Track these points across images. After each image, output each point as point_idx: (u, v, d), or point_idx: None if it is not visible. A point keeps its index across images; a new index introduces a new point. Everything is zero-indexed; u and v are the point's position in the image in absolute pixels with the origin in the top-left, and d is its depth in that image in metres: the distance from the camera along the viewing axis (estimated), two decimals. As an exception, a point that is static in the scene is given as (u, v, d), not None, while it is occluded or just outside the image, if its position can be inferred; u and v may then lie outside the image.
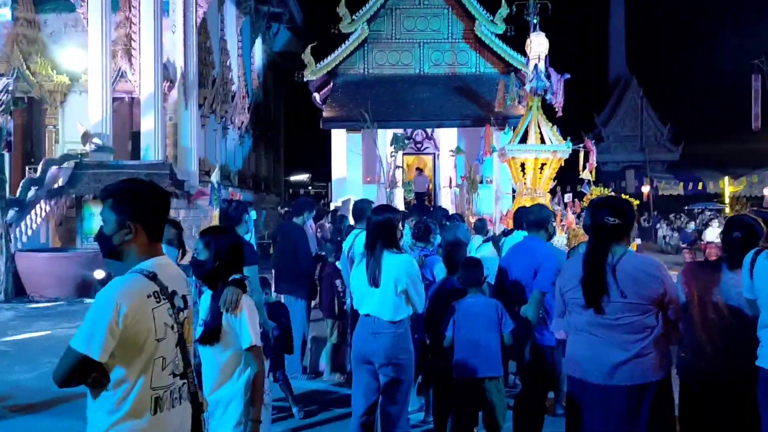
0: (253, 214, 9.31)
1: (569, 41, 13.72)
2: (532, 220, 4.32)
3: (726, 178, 30.78)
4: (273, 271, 6.48)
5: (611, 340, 2.85)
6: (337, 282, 5.98)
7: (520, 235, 6.16)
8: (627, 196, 16.78)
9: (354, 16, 19.37)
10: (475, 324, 4.04)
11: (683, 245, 16.13)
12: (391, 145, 17.79)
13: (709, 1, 34.41)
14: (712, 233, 15.36)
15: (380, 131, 19.63)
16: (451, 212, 9.56)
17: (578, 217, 15.17)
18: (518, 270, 4.21)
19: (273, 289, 5.94)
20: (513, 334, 4.09)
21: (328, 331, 6.19)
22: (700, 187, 31.66)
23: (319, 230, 11.17)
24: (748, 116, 26.53)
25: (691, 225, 17.38)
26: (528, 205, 14.35)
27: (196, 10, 18.84)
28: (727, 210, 29.18)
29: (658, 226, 25.52)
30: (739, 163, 30.35)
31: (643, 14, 36.45)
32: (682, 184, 35.96)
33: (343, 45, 19.36)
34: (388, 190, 17.16)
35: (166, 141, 17.43)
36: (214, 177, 13.29)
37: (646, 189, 34.29)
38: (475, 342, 4.00)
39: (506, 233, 7.94)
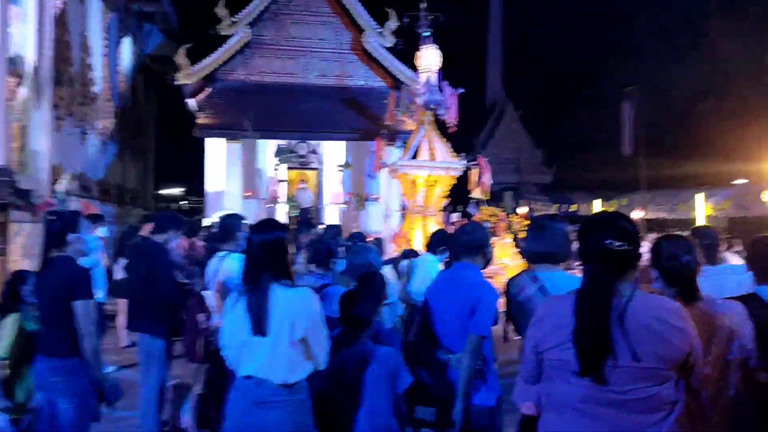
0: (102, 230, 7.78)
1: (449, 63, 13.46)
2: (466, 242, 3.37)
3: (598, 201, 32.02)
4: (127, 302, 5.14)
5: (618, 423, 1.92)
6: (202, 316, 4.72)
7: (434, 261, 5.25)
8: (513, 216, 16.61)
9: (234, 18, 18.00)
10: (357, 381, 3.03)
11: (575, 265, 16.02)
12: (275, 156, 16.54)
13: (583, 31, 36.02)
14: None
15: (262, 142, 18.33)
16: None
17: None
18: (449, 307, 3.25)
19: (126, 324, 4.62)
20: (440, 393, 3.12)
21: (193, 377, 4.94)
22: (574, 208, 32.78)
23: (190, 249, 9.73)
24: (619, 142, 27.74)
25: (575, 245, 17.37)
26: (420, 223, 13.76)
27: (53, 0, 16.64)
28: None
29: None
30: (610, 187, 31.71)
31: (520, 40, 37.55)
32: (556, 205, 37.20)
33: (221, 48, 17.91)
34: (269, 205, 15.86)
35: (11, 144, 15.08)
36: (61, 186, 11.42)
37: (522, 210, 35.08)
38: (357, 407, 2.99)
39: (407, 255, 7.05)
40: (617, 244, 1.96)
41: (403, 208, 14.67)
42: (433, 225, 13.44)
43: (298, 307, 2.59)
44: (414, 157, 13.54)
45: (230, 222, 4.34)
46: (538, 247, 2.97)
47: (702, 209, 22.19)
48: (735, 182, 25.15)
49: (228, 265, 4.04)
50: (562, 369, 1.98)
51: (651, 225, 24.78)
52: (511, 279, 3.07)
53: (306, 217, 16.60)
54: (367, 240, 8.61)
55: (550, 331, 2.03)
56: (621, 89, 26.84)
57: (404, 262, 6.37)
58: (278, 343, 2.55)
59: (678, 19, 28.40)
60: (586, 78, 34.56)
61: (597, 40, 35.19)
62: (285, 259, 2.71)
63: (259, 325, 2.55)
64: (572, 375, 1.94)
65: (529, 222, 6.69)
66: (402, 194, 14.25)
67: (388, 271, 7.41)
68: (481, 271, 3.39)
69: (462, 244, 3.37)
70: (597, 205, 32.73)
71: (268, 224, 2.85)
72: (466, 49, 21.97)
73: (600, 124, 31.97)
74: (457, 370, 3.13)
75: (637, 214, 28.28)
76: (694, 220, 22.74)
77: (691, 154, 28.13)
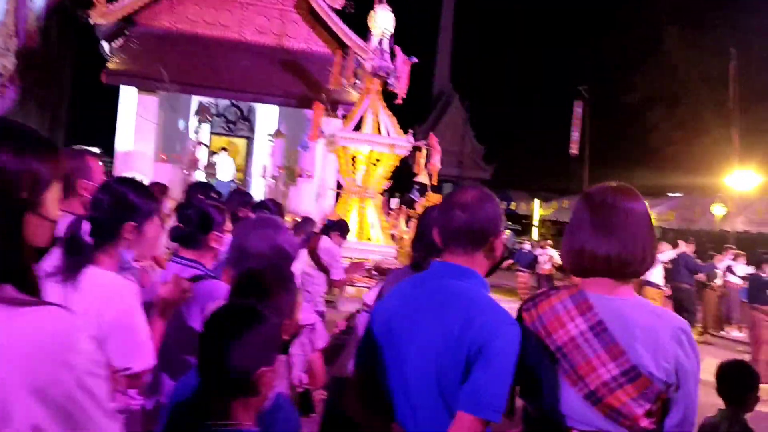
0: None
1: (400, 46, 12.06)
2: (464, 224, 1.72)
3: (537, 201, 31.23)
4: None
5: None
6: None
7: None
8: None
9: (165, -44, 15.74)
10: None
11: (520, 267, 14.78)
12: (195, 115, 14.50)
13: (535, 29, 35.05)
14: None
15: (185, 100, 16.21)
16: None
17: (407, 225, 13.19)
18: (422, 348, 1.64)
19: None
20: None
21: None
22: (513, 207, 31.87)
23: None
24: (566, 143, 26.87)
25: (527, 245, 16.16)
26: (356, 205, 12.08)
27: None
28: (535, 233, 29.58)
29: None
30: (552, 188, 30.94)
31: (470, 34, 36.23)
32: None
33: (146, -12, 15.61)
34: (186, 172, 13.82)
35: None
36: None
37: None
38: None
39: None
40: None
41: (339, 187, 12.97)
42: (371, 209, 11.84)
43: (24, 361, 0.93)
44: (356, 129, 11.88)
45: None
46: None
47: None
48: (674, 194, 24.65)
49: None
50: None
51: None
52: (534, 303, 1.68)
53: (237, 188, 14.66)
54: (295, 219, 6.89)
55: None
56: (572, 90, 25.96)
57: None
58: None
59: (634, 22, 27.68)
60: (536, 76, 33.61)
61: (551, 39, 34.33)
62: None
63: None
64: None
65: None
66: (338, 171, 12.55)
67: (306, 267, 5.75)
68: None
69: (455, 228, 1.73)
70: (536, 206, 32.05)
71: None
72: (418, 37, 20.36)
73: (548, 124, 31.10)
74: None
75: (577, 218, 27.64)
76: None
77: (638, 162, 27.50)
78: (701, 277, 11.66)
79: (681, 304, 10.41)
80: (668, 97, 26.87)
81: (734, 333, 11.82)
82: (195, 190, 4.01)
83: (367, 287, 10.72)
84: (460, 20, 41.18)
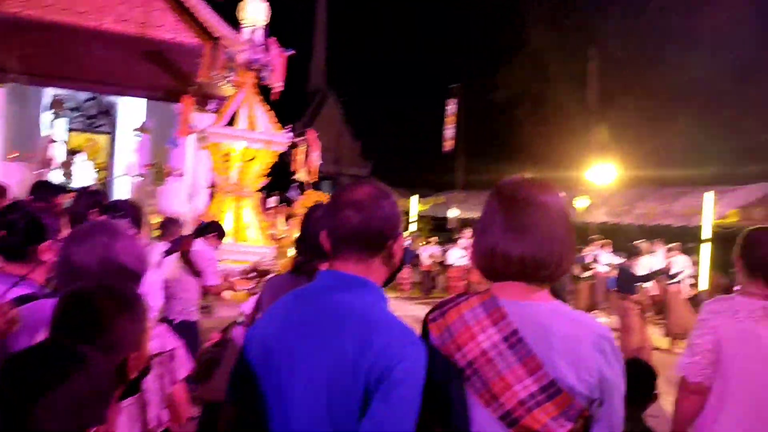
0: None
1: (274, 38, 11.64)
2: (358, 226, 1.44)
3: (415, 197, 31.69)
4: None
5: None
6: None
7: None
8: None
9: (10, -68, 14.21)
10: None
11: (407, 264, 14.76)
12: (50, 109, 13.23)
13: (409, 27, 35.53)
14: (456, 254, 14.22)
15: (37, 93, 14.76)
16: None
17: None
18: (305, 379, 1.36)
19: None
20: None
21: None
22: (392, 203, 32.22)
23: None
24: (441, 140, 27.42)
25: (407, 241, 16.18)
26: (232, 205, 11.49)
27: None
28: (415, 228, 30.00)
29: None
30: (429, 184, 31.52)
31: (345, 29, 36.17)
32: (373, 198, 36.54)
33: (-12, -32, 14.04)
34: (38, 171, 12.59)
35: None
36: None
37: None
38: None
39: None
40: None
41: (213, 185, 12.32)
42: (248, 209, 11.32)
43: None
44: (230, 125, 11.30)
45: None
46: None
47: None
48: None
49: None
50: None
51: (465, 223, 24.77)
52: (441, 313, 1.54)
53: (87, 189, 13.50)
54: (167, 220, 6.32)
55: None
56: (445, 87, 26.54)
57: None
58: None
59: (502, 22, 28.81)
60: (411, 73, 34.09)
61: (422, 36, 34.96)
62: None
63: None
64: None
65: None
66: (212, 169, 11.91)
67: (177, 272, 5.25)
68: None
69: (347, 231, 1.45)
70: (414, 202, 32.55)
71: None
72: (292, 30, 19.89)
73: (423, 120, 31.64)
74: None
75: (452, 213, 28.32)
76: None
77: (509, 157, 28.61)
78: (574, 269, 12.17)
79: (556, 295, 10.76)
80: (534, 96, 28.18)
81: (602, 319, 12.46)
82: (38, 190, 3.44)
83: (247, 290, 10.25)
84: (335, 15, 41.05)
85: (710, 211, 15.87)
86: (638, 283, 7.56)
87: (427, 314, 1.56)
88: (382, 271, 1.50)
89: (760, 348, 2.30)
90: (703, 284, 16.01)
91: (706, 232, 15.69)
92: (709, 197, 15.96)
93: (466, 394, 1.43)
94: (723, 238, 17.87)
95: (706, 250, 15.41)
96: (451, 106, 26.51)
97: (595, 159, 20.43)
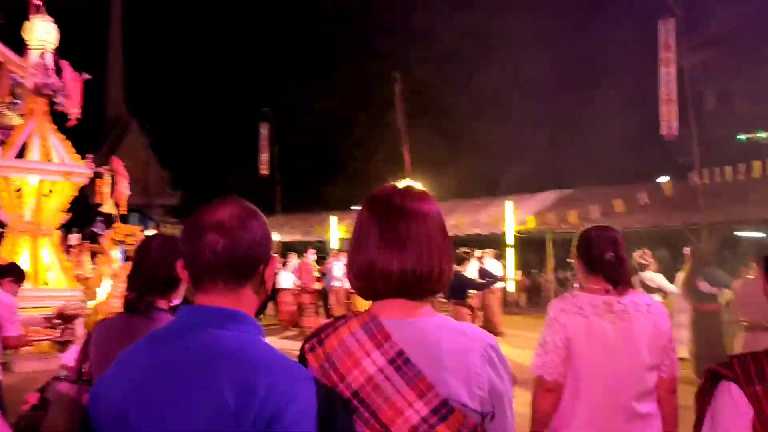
0: None
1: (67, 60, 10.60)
2: (220, 255, 1.26)
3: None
4: None
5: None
6: None
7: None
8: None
9: None
10: None
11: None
12: None
13: (213, 51, 34.65)
14: (285, 278, 13.88)
15: None
16: None
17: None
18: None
19: None
20: None
21: None
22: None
23: None
24: (257, 164, 26.99)
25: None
26: (27, 245, 10.22)
27: None
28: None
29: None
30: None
31: (144, 54, 34.43)
32: (187, 227, 34.99)
33: None
34: None
35: None
36: None
37: (151, 232, 32.02)
38: None
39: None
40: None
41: (2, 225, 10.91)
42: (46, 248, 10.16)
43: None
44: (20, 157, 10.10)
45: None
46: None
47: (336, 231, 22.64)
48: (358, 208, 26.44)
49: None
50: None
51: (288, 247, 24.55)
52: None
53: None
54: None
55: None
56: (258, 111, 26.25)
57: None
58: None
59: (311, 44, 29.26)
60: (219, 98, 33.21)
61: (226, 60, 34.25)
62: None
63: None
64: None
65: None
66: (1, 207, 10.55)
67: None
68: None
69: (211, 258, 1.27)
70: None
71: None
72: (86, 52, 18.46)
73: (236, 145, 30.96)
74: None
75: (274, 237, 27.96)
76: (329, 241, 23.10)
77: (326, 179, 28.93)
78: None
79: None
80: (346, 118, 28.89)
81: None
82: None
83: (50, 340, 9.13)
84: (132, 36, 38.87)
85: (511, 219, 17.32)
86: (470, 290, 7.92)
87: (303, 344, 1.42)
88: (253, 300, 1.33)
89: (605, 342, 2.42)
90: (511, 286, 17.40)
91: (509, 238, 17.10)
92: (509, 206, 17.43)
93: (355, 428, 1.31)
94: (523, 242, 19.66)
95: (510, 254, 16.77)
96: (264, 130, 26.23)
97: (404, 176, 21.35)
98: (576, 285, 2.68)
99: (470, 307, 7.81)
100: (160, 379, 1.21)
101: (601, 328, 2.43)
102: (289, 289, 13.74)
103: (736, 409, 1.39)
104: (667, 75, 14.11)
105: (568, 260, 17.66)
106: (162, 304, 2.22)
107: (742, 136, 18.64)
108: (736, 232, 15.43)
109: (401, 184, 1.48)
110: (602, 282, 2.51)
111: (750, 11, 19.09)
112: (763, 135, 18.26)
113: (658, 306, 2.52)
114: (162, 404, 1.18)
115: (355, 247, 1.41)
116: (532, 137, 25.27)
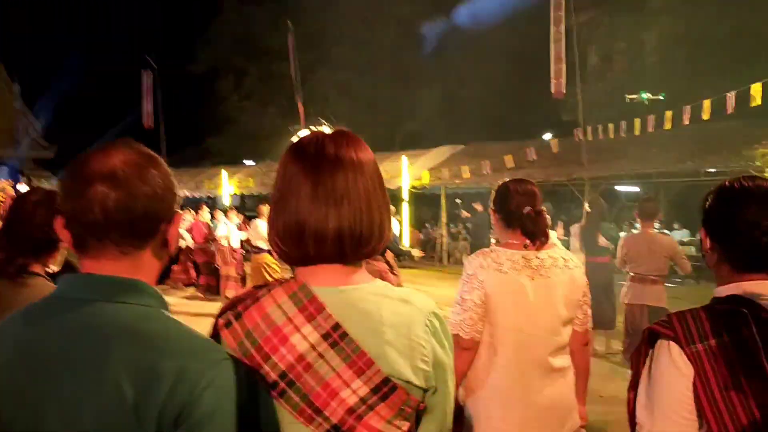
0: None
1: None
2: (112, 212, 1.02)
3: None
4: None
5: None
6: None
7: None
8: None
9: None
10: None
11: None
12: None
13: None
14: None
15: None
16: None
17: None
18: None
19: None
20: None
21: None
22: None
23: None
24: (139, 115, 25.34)
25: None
26: None
27: None
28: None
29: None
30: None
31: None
32: (63, 183, 32.76)
33: None
34: None
35: None
36: None
37: (23, 187, 29.65)
38: None
39: None
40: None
41: None
42: None
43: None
44: None
45: None
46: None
47: (227, 186, 21.92)
48: (250, 162, 25.64)
49: None
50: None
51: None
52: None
53: None
54: None
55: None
56: (140, 59, 24.46)
57: None
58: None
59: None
60: (98, 45, 30.84)
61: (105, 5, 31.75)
62: None
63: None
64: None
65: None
66: None
67: None
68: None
69: (100, 216, 1.02)
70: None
71: None
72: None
73: (118, 95, 28.97)
74: None
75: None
76: (220, 197, 22.32)
77: (213, 132, 27.78)
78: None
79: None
80: (235, 69, 27.69)
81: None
82: None
83: None
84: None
85: (407, 174, 17.39)
86: (392, 251, 7.73)
87: (217, 318, 1.21)
88: (154, 266, 1.11)
89: (524, 298, 2.37)
90: (406, 240, 17.61)
91: (405, 194, 17.19)
92: (404, 161, 17.47)
93: (282, 414, 1.13)
94: (417, 197, 19.87)
95: (405, 210, 16.91)
96: (147, 78, 24.57)
97: (298, 130, 20.81)
98: (493, 241, 2.60)
99: (389, 263, 7.69)
100: (36, 366, 0.97)
101: (519, 284, 2.38)
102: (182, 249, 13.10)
103: (677, 369, 1.33)
104: (557, 34, 14.44)
105: (457, 212, 18.12)
106: (36, 268, 1.93)
107: (633, 96, 19.57)
108: (616, 187, 16.34)
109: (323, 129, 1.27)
110: (520, 236, 2.45)
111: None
112: (645, 96, 19.30)
113: (574, 260, 2.50)
114: (38, 397, 0.95)
115: (279, 205, 1.20)
116: (427, 94, 25.42)
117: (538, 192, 2.52)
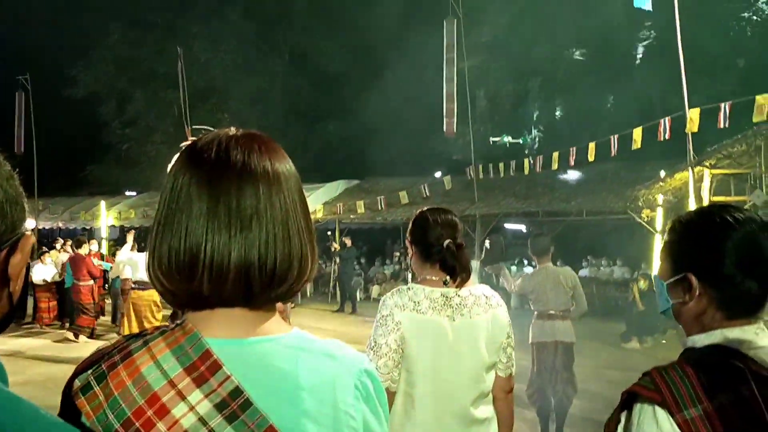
0: None
1: None
2: None
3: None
4: None
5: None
6: None
7: None
8: None
9: None
10: None
11: None
12: None
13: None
14: (42, 271, 11.87)
15: None
16: None
17: None
18: None
19: None
20: None
21: None
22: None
23: None
24: (13, 139, 23.27)
25: None
26: None
27: None
28: None
29: None
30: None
31: None
32: None
33: None
34: None
35: None
36: None
37: None
38: None
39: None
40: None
41: None
42: None
43: None
44: None
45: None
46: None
47: (105, 217, 20.53)
48: (131, 193, 24.29)
49: None
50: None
51: (44, 236, 21.53)
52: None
53: None
54: None
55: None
56: (14, 80, 22.53)
57: None
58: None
59: (78, 15, 26.10)
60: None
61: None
62: None
63: None
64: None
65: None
66: None
67: None
68: None
69: None
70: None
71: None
72: None
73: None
74: None
75: (30, 224, 24.50)
76: (98, 229, 20.81)
77: (92, 159, 26.12)
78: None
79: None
80: (119, 93, 26.34)
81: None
82: None
83: None
84: None
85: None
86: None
87: (72, 379, 0.85)
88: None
89: (444, 340, 2.11)
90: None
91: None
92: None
93: None
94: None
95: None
96: (20, 101, 22.73)
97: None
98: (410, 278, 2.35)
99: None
100: None
101: (439, 325, 2.12)
102: (44, 284, 11.89)
103: None
104: (450, 74, 14.77)
105: (327, 244, 17.72)
106: None
107: (496, 139, 20.60)
108: (505, 224, 16.78)
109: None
110: (439, 272, 2.20)
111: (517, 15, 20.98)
112: (507, 140, 20.39)
113: (496, 298, 2.28)
114: None
115: (164, 227, 0.87)
116: (321, 127, 25.28)
117: (458, 222, 2.29)
